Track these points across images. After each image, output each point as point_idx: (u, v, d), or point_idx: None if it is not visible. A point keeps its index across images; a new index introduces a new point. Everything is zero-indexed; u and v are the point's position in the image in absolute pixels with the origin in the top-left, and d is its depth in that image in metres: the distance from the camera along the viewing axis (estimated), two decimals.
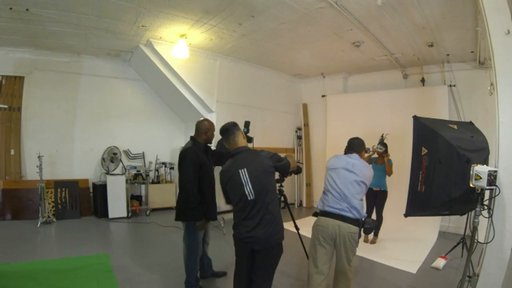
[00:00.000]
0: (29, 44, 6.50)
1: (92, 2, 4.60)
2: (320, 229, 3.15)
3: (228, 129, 2.79)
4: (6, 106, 6.70)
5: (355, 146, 3.60)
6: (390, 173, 5.74)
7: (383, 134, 5.93)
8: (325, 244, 3.12)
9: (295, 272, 4.56)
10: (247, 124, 4.40)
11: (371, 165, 5.58)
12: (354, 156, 3.43)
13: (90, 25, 5.49)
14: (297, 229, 4.32)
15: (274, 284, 2.90)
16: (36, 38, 6.17)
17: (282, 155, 2.93)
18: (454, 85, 6.45)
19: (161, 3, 4.70)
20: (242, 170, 2.59)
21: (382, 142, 5.79)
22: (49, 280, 3.92)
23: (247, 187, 2.57)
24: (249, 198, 2.57)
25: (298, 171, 3.59)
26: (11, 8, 4.79)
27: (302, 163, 3.48)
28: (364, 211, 3.14)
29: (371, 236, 5.89)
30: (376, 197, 5.76)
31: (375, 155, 5.81)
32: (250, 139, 4.02)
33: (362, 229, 3.13)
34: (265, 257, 2.70)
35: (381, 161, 5.80)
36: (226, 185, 2.71)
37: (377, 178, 5.56)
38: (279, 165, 2.75)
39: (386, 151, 5.77)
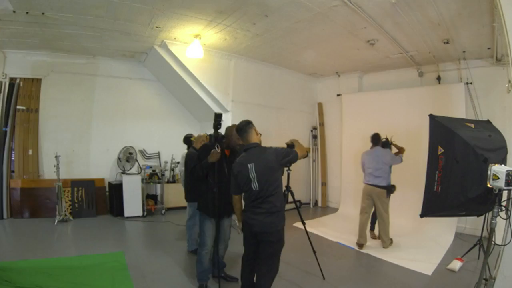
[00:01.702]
0: (46, 47, 6.65)
1: (107, 4, 4.66)
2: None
3: (242, 128, 3.13)
4: (24, 108, 6.87)
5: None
6: None
7: (386, 135, 6.09)
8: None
9: (300, 263, 4.69)
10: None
11: None
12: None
13: (105, 27, 5.57)
14: (304, 223, 4.30)
15: (280, 274, 3.14)
16: (52, 41, 6.30)
17: (289, 141, 3.34)
18: (471, 83, 6.30)
19: (174, 4, 4.74)
20: (251, 164, 2.95)
21: (387, 143, 5.98)
22: (65, 276, 3.99)
23: (253, 179, 2.94)
24: (253, 189, 2.95)
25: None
26: (27, 13, 4.91)
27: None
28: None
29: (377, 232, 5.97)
30: None
31: None
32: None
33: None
34: (266, 245, 3.02)
35: None
36: (237, 176, 3.05)
37: None
38: (286, 160, 3.03)
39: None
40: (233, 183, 3.13)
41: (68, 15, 5.04)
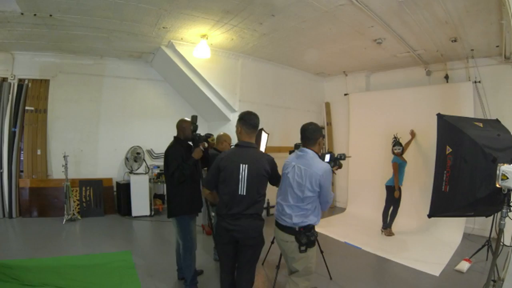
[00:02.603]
0: (54, 48, 6.72)
1: (114, 6, 4.68)
2: None
3: (256, 125, 2.88)
4: (32, 108, 6.95)
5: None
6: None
7: (395, 134, 6.27)
8: None
9: None
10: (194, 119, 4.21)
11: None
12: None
13: (112, 28, 5.59)
14: None
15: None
16: (60, 42, 6.36)
17: None
18: (479, 81, 6.23)
19: (181, 5, 4.74)
20: (244, 165, 2.69)
21: (398, 143, 6.11)
22: (73, 275, 4.04)
23: (241, 181, 2.68)
24: (239, 192, 2.68)
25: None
26: (35, 15, 4.95)
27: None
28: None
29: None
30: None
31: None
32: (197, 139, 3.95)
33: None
34: (247, 249, 2.78)
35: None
36: (220, 170, 2.76)
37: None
38: (274, 174, 2.86)
39: (402, 149, 6.12)
40: (211, 177, 2.83)
41: (75, 17, 5.07)
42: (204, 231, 6.06)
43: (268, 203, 7.27)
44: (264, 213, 3.49)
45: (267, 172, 2.76)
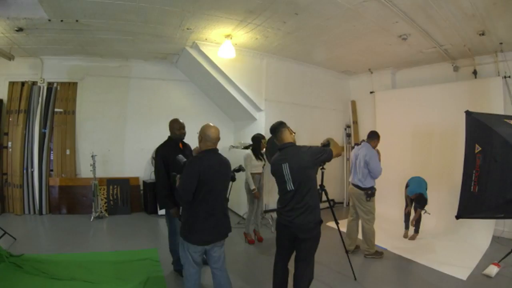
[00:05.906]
0: (81, 52, 6.94)
1: (138, 9, 4.76)
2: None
3: (275, 128, 3.18)
4: (61, 110, 7.24)
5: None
6: None
7: None
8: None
9: (332, 263, 4.67)
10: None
11: None
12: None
13: (137, 31, 5.71)
14: (337, 223, 4.24)
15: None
16: (86, 46, 6.57)
17: (324, 140, 3.28)
18: (509, 76, 5.99)
19: (204, 6, 4.78)
20: (285, 164, 2.96)
21: None
22: (100, 270, 4.16)
23: (288, 180, 2.95)
24: (288, 189, 2.96)
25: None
26: (62, 20, 5.14)
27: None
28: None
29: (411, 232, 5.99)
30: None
31: None
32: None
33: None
34: (304, 241, 3.00)
35: None
36: (274, 175, 3.12)
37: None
38: (321, 158, 3.03)
39: None
40: (276, 181, 3.17)
41: (100, 21, 5.21)
42: (247, 240, 5.71)
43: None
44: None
45: (308, 161, 2.95)
